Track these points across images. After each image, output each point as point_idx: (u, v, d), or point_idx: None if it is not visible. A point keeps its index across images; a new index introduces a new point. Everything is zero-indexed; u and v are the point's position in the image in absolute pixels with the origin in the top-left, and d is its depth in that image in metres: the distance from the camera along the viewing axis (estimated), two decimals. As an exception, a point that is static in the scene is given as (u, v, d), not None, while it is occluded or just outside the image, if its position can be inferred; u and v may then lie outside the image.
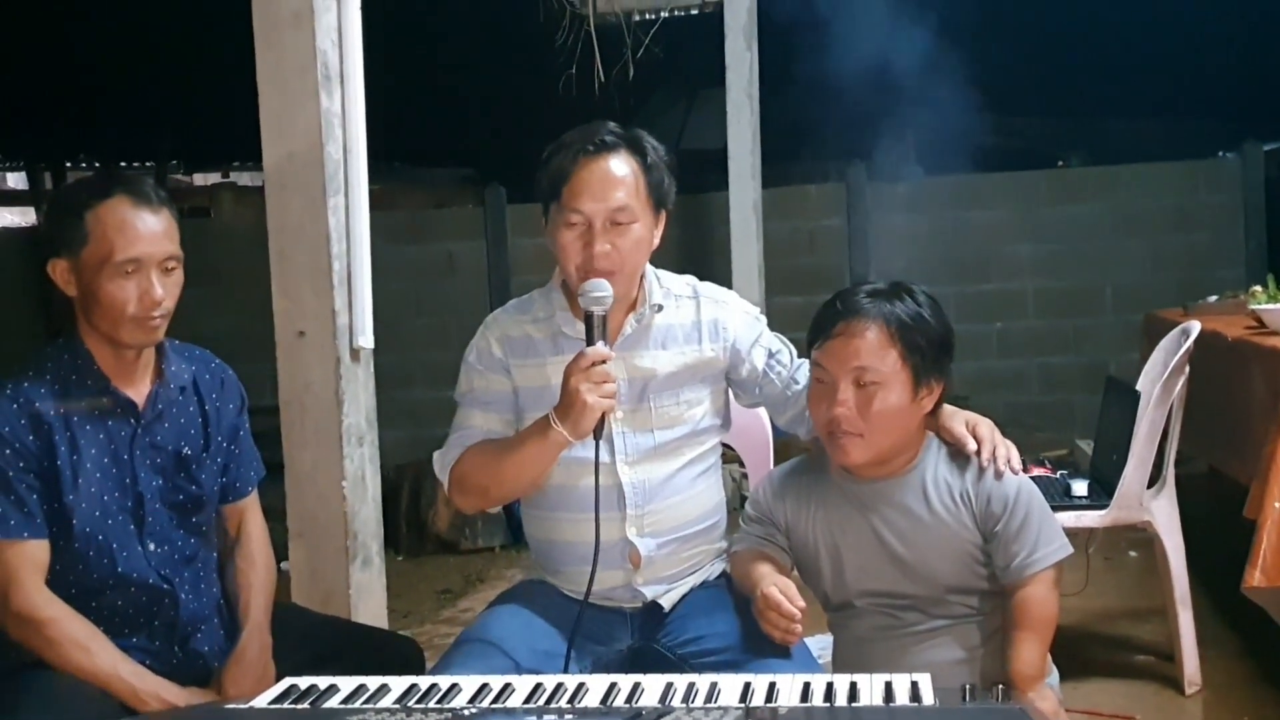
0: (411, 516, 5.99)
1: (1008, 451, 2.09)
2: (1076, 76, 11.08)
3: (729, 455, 2.44)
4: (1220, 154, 8.50)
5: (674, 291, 2.30)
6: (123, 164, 12.21)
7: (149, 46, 9.06)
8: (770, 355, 2.30)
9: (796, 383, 2.28)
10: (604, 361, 2.03)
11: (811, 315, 2.12)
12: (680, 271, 2.36)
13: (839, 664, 2.19)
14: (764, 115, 6.77)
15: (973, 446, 2.09)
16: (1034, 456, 4.17)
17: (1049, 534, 2.06)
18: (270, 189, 2.77)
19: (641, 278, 2.24)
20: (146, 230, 2.08)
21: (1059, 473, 3.69)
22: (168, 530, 2.19)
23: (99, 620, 2.09)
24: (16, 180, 13.45)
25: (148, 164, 12.23)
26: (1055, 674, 2.16)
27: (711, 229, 7.33)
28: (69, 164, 11.53)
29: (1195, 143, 9.25)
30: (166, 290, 2.11)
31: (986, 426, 2.13)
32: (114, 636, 2.09)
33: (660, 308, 2.25)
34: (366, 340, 2.80)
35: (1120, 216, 7.73)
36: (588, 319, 2.07)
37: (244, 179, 13.94)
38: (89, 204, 2.07)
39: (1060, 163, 10.42)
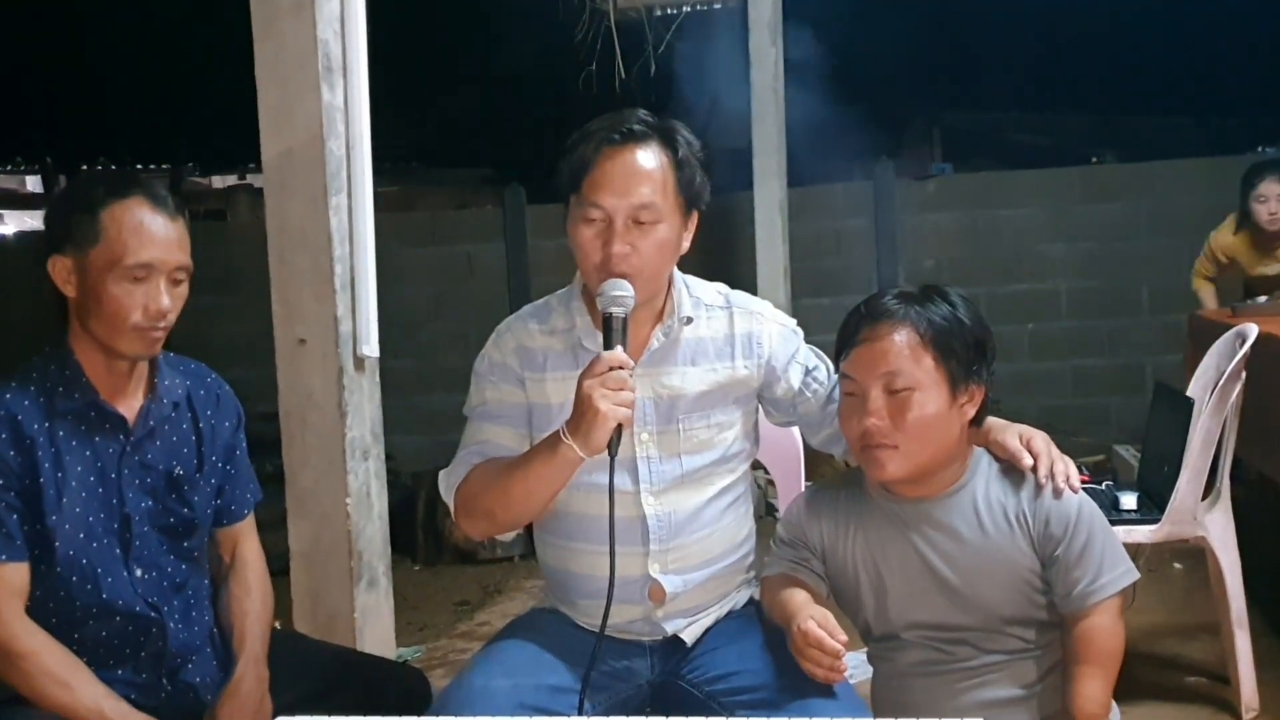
0: (429, 525, 5.91)
1: (1066, 468, 1.92)
2: (1109, 72, 10.90)
3: (753, 462, 2.26)
4: (1260, 149, 8.28)
5: (705, 301, 2.11)
6: (139, 166, 12.19)
7: (165, 48, 9.03)
8: (807, 372, 2.12)
9: (834, 401, 2.09)
10: (621, 367, 1.84)
11: (838, 317, 1.97)
12: (704, 275, 2.18)
13: (879, 700, 2.02)
14: (789, 112, 6.60)
15: (1028, 462, 1.92)
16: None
17: (1113, 558, 1.89)
18: (269, 188, 2.64)
19: (670, 285, 2.07)
20: (162, 236, 1.98)
21: (1104, 483, 3.51)
22: (156, 555, 2.06)
23: (81, 651, 1.96)
24: (35, 184, 13.47)
25: (164, 166, 12.22)
26: (1117, 712, 1.98)
27: (736, 229, 7.16)
28: (85, 167, 11.53)
29: (1232, 138, 9.05)
30: (172, 302, 2.00)
31: (1042, 440, 1.96)
32: (98, 668, 1.96)
33: (690, 320, 2.08)
34: (371, 349, 2.65)
35: (1156, 215, 7.51)
36: (606, 321, 1.89)
37: (260, 181, 13.89)
38: (105, 201, 1.97)
39: (1094, 160, 10.21)
